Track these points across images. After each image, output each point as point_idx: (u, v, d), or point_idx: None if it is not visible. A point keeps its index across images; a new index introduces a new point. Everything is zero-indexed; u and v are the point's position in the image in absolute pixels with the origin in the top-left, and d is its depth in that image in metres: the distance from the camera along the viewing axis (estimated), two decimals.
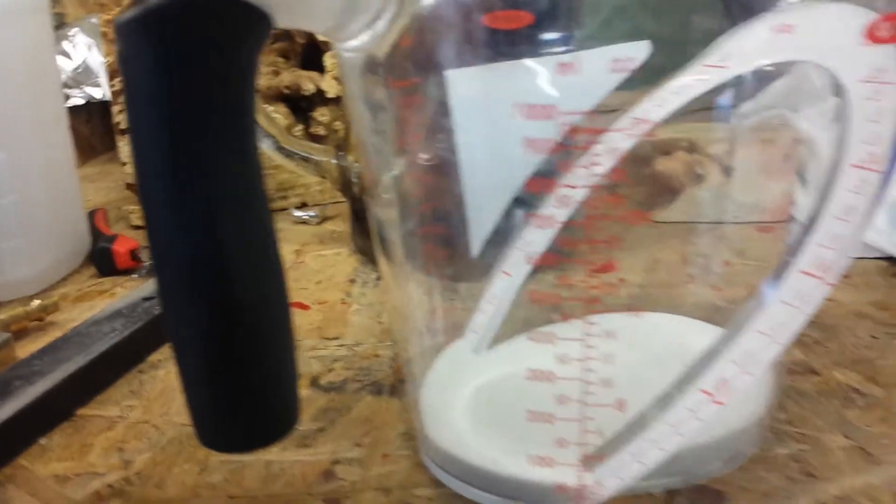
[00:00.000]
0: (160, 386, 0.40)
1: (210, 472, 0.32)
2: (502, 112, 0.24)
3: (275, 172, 0.71)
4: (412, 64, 0.28)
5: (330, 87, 0.72)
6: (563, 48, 0.24)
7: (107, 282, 0.56)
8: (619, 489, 0.26)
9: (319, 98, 0.73)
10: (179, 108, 0.21)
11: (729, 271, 0.34)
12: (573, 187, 0.26)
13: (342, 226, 0.67)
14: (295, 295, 0.51)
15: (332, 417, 0.36)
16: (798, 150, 0.32)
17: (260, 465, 0.32)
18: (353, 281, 0.54)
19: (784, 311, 0.25)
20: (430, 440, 0.31)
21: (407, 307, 0.33)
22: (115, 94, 0.72)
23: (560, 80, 0.23)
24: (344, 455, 0.33)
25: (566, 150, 0.25)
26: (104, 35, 0.72)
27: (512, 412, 0.29)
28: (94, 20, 1.03)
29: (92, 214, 0.65)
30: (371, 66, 0.28)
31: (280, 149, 0.56)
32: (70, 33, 1.05)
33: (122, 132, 0.70)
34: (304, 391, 0.38)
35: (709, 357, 0.26)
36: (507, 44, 0.25)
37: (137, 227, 0.67)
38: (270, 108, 0.71)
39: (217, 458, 0.33)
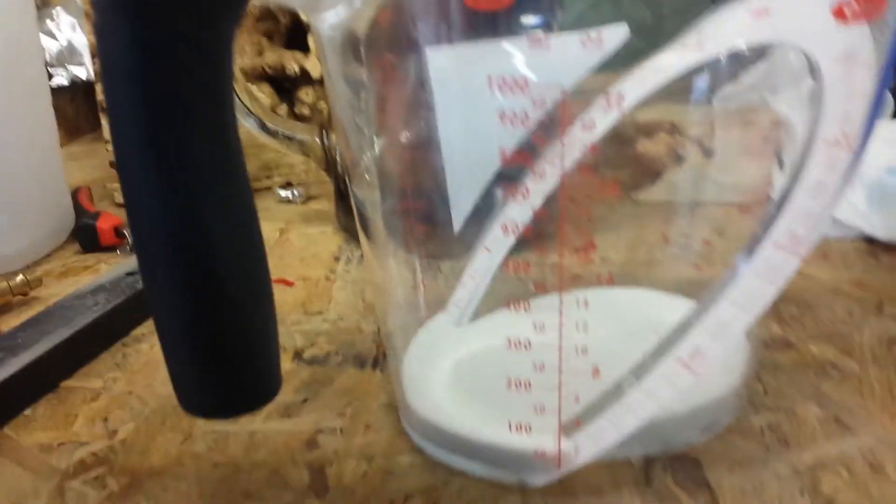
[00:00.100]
0: (144, 359, 0.40)
1: (194, 441, 0.32)
2: (482, 89, 0.25)
3: (259, 152, 0.71)
4: (391, 41, 0.28)
5: (314, 68, 0.72)
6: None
7: (91, 258, 0.56)
8: (597, 455, 0.27)
9: (303, 78, 0.73)
10: (156, 83, 0.21)
11: (708, 250, 0.34)
12: (553, 163, 0.26)
13: (327, 205, 0.67)
14: (279, 272, 0.51)
15: (316, 389, 0.36)
16: (776, 133, 0.32)
17: (244, 435, 0.32)
18: (337, 258, 0.54)
19: (756, 283, 0.25)
20: (411, 410, 0.31)
21: (388, 284, 0.33)
22: (98, 73, 0.72)
23: (536, 56, 0.24)
24: (327, 425, 0.33)
25: (545, 125, 0.25)
26: (88, 15, 0.72)
27: (491, 381, 0.29)
28: (77, 0, 1.03)
29: (76, 192, 0.65)
30: (350, 43, 0.28)
31: (264, 128, 0.56)
32: (54, 13, 1.04)
33: (106, 112, 0.70)
34: (287, 364, 0.38)
35: (683, 327, 0.26)
36: (488, 26, 0.25)
37: (121, 205, 0.67)
38: (254, 88, 0.71)
39: (201, 427, 0.33)
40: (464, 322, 0.34)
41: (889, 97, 0.63)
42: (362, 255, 0.53)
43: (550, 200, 0.27)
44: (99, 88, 0.70)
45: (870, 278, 0.46)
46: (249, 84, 0.71)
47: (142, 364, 0.39)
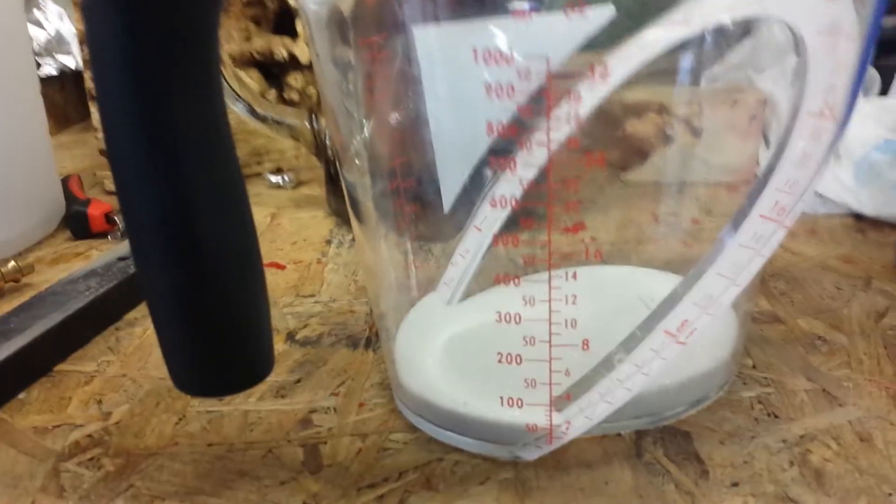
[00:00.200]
0: (137, 342, 0.40)
1: (188, 422, 0.32)
2: (469, 67, 0.25)
3: (249, 138, 0.71)
4: (377, 21, 0.28)
5: (302, 53, 0.72)
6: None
7: (82, 244, 0.56)
8: (588, 428, 0.27)
9: (292, 63, 0.73)
10: (144, 69, 0.21)
11: (697, 228, 0.34)
12: (541, 135, 0.26)
13: (317, 190, 0.67)
14: (271, 256, 0.51)
15: (309, 370, 0.36)
16: (762, 111, 0.32)
17: (238, 415, 0.33)
18: (328, 242, 0.54)
19: (743, 253, 0.25)
20: (403, 388, 0.32)
21: (380, 266, 0.34)
22: (86, 62, 0.71)
23: (521, 32, 0.24)
24: (320, 404, 0.33)
25: (532, 98, 0.25)
26: (75, 3, 0.71)
27: (483, 357, 0.30)
28: None
29: (66, 180, 0.65)
30: (337, 24, 0.28)
31: (253, 113, 0.56)
32: (41, 2, 1.04)
33: (95, 99, 0.69)
34: (280, 346, 0.39)
35: (672, 299, 0.26)
36: (475, 4, 0.25)
37: (111, 192, 0.67)
38: (243, 74, 0.71)
39: (195, 408, 0.33)
40: (455, 301, 0.34)
41: (875, 74, 0.63)
42: (353, 239, 0.53)
43: (540, 177, 0.27)
44: (88, 77, 0.70)
45: (857, 254, 0.46)
46: (238, 70, 0.71)
47: (135, 347, 0.40)
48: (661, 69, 0.29)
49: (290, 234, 0.56)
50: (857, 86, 0.25)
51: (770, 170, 0.25)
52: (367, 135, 0.31)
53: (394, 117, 0.31)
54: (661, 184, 0.35)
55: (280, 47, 0.72)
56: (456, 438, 0.30)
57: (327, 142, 0.58)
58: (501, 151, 0.27)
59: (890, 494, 0.26)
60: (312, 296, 0.45)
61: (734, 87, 0.32)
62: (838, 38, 0.23)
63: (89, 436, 0.32)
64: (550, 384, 0.27)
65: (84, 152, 0.85)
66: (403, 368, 0.32)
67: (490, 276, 0.32)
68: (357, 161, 0.31)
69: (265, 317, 0.27)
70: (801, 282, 0.43)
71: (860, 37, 0.23)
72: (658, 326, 0.26)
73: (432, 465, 0.29)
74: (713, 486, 0.27)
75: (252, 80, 0.72)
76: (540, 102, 0.25)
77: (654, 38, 0.25)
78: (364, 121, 0.31)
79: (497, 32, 0.24)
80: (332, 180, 0.59)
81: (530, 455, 0.28)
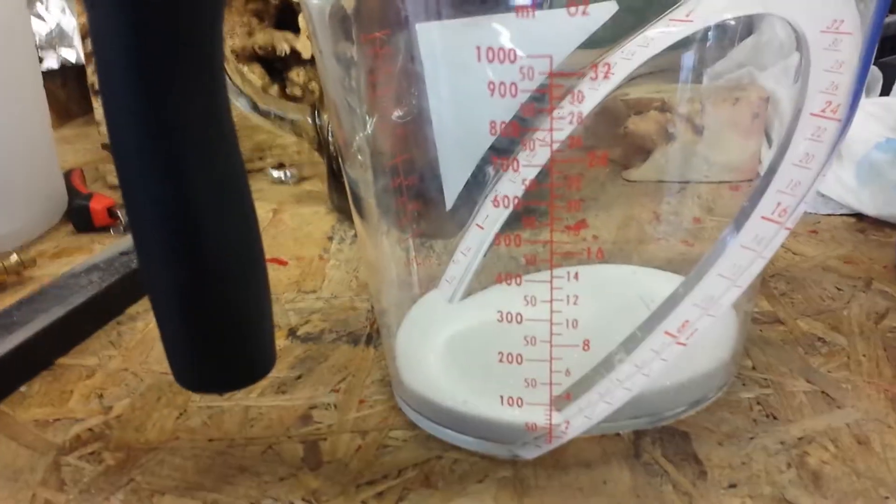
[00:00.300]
0: (138, 336, 0.40)
1: (189, 417, 0.33)
2: (472, 64, 0.25)
3: (251, 133, 0.71)
4: (380, 17, 0.28)
5: (305, 48, 0.72)
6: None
7: (84, 238, 0.57)
8: (587, 428, 0.27)
9: (294, 58, 0.73)
10: (147, 63, 0.21)
11: (698, 227, 0.34)
12: (543, 135, 0.26)
13: (319, 185, 0.67)
14: (273, 252, 0.52)
15: (310, 366, 0.36)
16: (765, 109, 0.33)
17: (238, 410, 0.33)
18: (330, 238, 0.54)
19: (744, 254, 0.25)
20: (404, 385, 0.32)
21: (381, 262, 0.34)
22: (88, 55, 0.71)
23: (524, 29, 0.24)
24: (321, 400, 0.33)
25: (534, 97, 0.25)
26: None
27: (483, 356, 0.30)
28: None
29: (69, 174, 0.65)
30: (339, 20, 0.28)
31: (256, 108, 0.56)
32: None
33: (97, 93, 0.69)
34: (281, 341, 0.39)
35: (673, 300, 0.26)
36: (477, 1, 0.25)
37: (114, 187, 0.67)
38: (245, 69, 0.71)
39: (196, 403, 0.33)
40: (456, 298, 0.34)
41: (878, 73, 0.63)
42: (355, 235, 0.53)
43: (542, 176, 0.27)
44: (90, 71, 0.70)
45: (858, 254, 0.46)
46: (240, 65, 0.71)
47: (136, 342, 0.40)
48: (664, 67, 0.29)
49: (292, 230, 0.56)
50: (860, 85, 0.25)
51: (772, 170, 0.25)
52: (369, 131, 0.31)
53: (396, 114, 0.31)
54: (662, 182, 0.35)
55: (282, 42, 0.72)
56: (455, 436, 0.30)
57: (329, 137, 0.58)
58: (504, 150, 0.27)
59: (886, 498, 0.26)
60: (314, 292, 0.45)
61: (736, 84, 0.32)
62: (841, 36, 0.23)
63: (90, 429, 0.32)
64: (550, 384, 0.27)
65: (86, 146, 0.85)
66: (404, 366, 0.32)
67: (492, 274, 0.32)
68: (359, 157, 0.31)
69: (267, 313, 0.27)
70: (801, 282, 0.43)
71: (862, 35, 0.23)
72: (659, 327, 0.26)
73: (431, 463, 0.29)
74: (711, 486, 0.27)
75: (254, 75, 0.72)
76: (542, 101, 0.25)
77: (657, 36, 0.25)
78: (367, 117, 0.31)
79: (500, 29, 0.24)
80: (335, 176, 0.59)
81: (529, 454, 0.28)
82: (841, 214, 0.52)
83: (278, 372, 0.36)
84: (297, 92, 0.74)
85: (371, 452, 0.30)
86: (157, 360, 0.38)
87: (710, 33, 0.28)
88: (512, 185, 0.29)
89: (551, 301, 0.26)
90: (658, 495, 0.27)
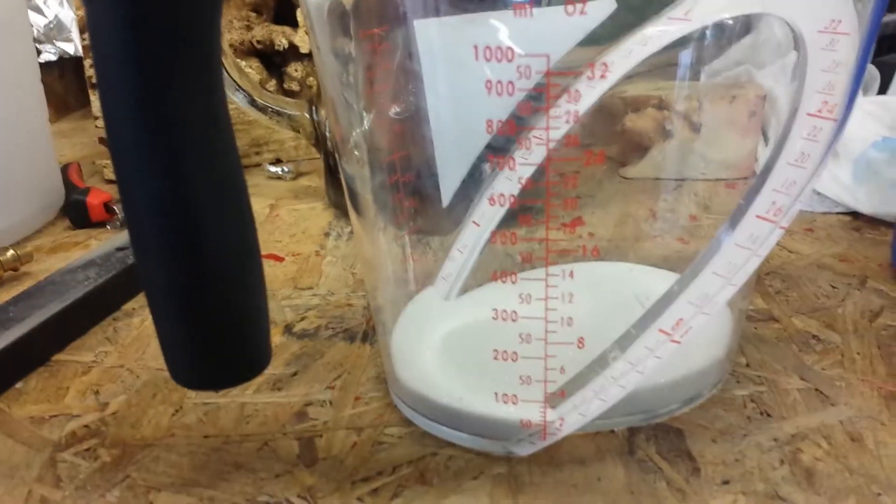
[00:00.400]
0: (135, 333, 0.40)
1: (185, 414, 0.33)
2: (469, 61, 0.25)
3: (249, 128, 0.71)
4: (378, 13, 0.28)
5: (303, 43, 0.72)
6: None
7: (81, 234, 0.57)
8: (581, 425, 0.27)
9: (293, 53, 0.73)
10: (145, 57, 0.21)
11: (694, 225, 0.34)
12: (539, 134, 0.27)
13: (317, 181, 0.67)
14: (269, 247, 0.52)
15: (306, 362, 0.36)
16: (762, 107, 0.33)
17: (234, 407, 0.33)
18: (327, 234, 0.54)
19: (739, 253, 0.25)
20: (400, 382, 0.32)
21: (377, 259, 0.34)
22: (86, 48, 0.71)
23: (522, 27, 0.24)
24: (316, 397, 0.33)
25: (531, 96, 0.25)
26: None
27: (479, 353, 0.30)
28: None
29: (65, 168, 0.65)
30: (338, 15, 0.28)
31: (253, 103, 0.56)
32: None
33: (95, 87, 0.69)
34: (277, 338, 0.39)
35: (667, 298, 0.26)
36: None
37: (111, 181, 0.67)
38: (243, 64, 0.71)
39: (192, 400, 0.34)
40: (452, 296, 0.34)
41: (875, 72, 0.63)
42: (352, 231, 0.53)
43: (538, 174, 0.27)
44: (88, 64, 0.70)
45: (853, 252, 0.46)
46: (238, 59, 0.71)
47: (133, 338, 0.40)
48: (662, 64, 0.29)
49: (289, 226, 0.56)
50: (857, 84, 0.25)
51: (768, 169, 0.25)
52: (366, 127, 0.31)
53: (394, 110, 0.31)
54: (659, 179, 0.35)
55: (281, 37, 0.72)
56: (450, 433, 0.30)
57: (327, 133, 0.58)
58: (500, 149, 0.27)
59: (879, 494, 0.26)
60: (310, 288, 0.45)
61: (734, 82, 0.32)
62: (838, 36, 0.23)
63: (86, 426, 0.32)
64: (545, 381, 0.27)
65: (84, 140, 0.85)
66: (399, 363, 0.32)
67: (488, 271, 0.32)
68: (356, 153, 0.31)
69: (263, 310, 0.27)
70: (796, 280, 0.43)
71: (860, 35, 0.23)
72: (653, 325, 0.26)
73: (426, 460, 0.29)
74: (704, 483, 0.27)
75: (252, 69, 0.72)
76: (539, 100, 0.25)
77: (655, 34, 0.25)
78: (364, 113, 0.31)
79: (497, 27, 0.24)
80: (332, 172, 0.59)
81: (524, 451, 0.29)
82: (837, 213, 0.53)
83: (274, 369, 0.36)
84: (295, 87, 0.74)
85: (366, 449, 0.30)
86: (153, 356, 0.38)
87: (707, 32, 0.28)
88: (508, 183, 0.29)
89: (546, 299, 0.27)
90: (652, 492, 0.27)
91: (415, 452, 0.30)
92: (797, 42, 0.24)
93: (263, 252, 0.45)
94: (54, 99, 0.95)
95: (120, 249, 0.46)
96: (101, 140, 0.71)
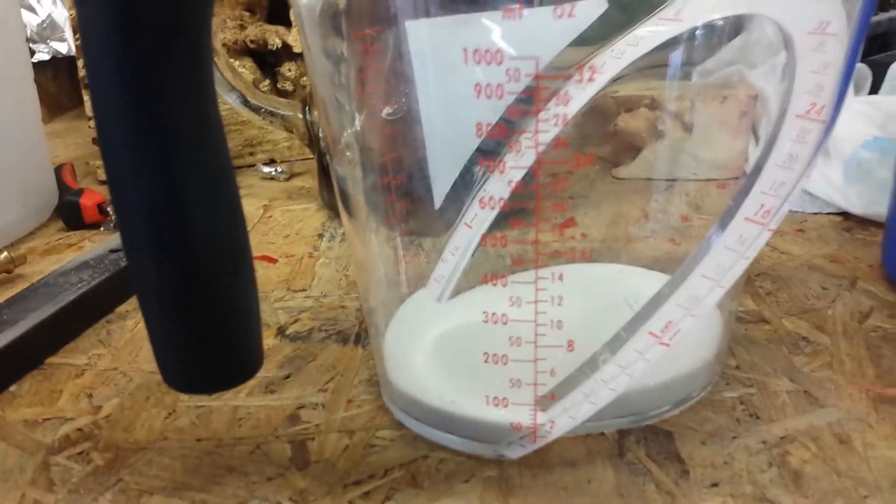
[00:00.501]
0: (128, 335, 0.40)
1: (178, 417, 0.33)
2: (460, 63, 0.25)
3: (242, 128, 0.71)
4: (370, 14, 0.28)
5: (296, 42, 0.72)
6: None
7: (74, 235, 0.57)
8: (571, 427, 0.28)
9: (286, 53, 0.73)
10: (135, 58, 0.22)
11: (685, 226, 0.34)
12: (529, 137, 0.27)
13: (310, 182, 0.67)
14: (263, 249, 0.52)
15: (298, 365, 0.37)
16: (753, 107, 0.33)
17: (227, 410, 0.33)
18: (320, 235, 0.54)
19: (727, 255, 0.26)
20: (392, 385, 0.32)
21: (370, 261, 0.34)
22: (80, 48, 0.71)
23: (512, 29, 0.24)
24: (309, 400, 0.34)
25: (521, 99, 0.25)
26: None
27: (470, 356, 0.30)
28: None
29: (59, 169, 0.65)
30: (330, 16, 0.28)
31: (246, 103, 0.56)
32: None
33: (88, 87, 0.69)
34: (270, 340, 0.39)
35: (656, 301, 0.27)
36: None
37: (104, 182, 0.67)
38: (236, 63, 0.71)
39: (184, 403, 0.34)
40: (445, 298, 0.34)
41: (867, 71, 0.63)
42: (345, 232, 0.53)
43: (528, 177, 0.27)
44: (81, 64, 0.70)
45: (844, 253, 0.46)
46: (232, 59, 0.71)
47: (126, 341, 0.40)
48: (654, 64, 0.29)
49: (283, 227, 0.56)
50: (845, 86, 0.25)
51: (757, 171, 0.25)
52: (358, 128, 0.31)
53: (386, 111, 0.31)
54: (651, 180, 0.35)
55: (274, 36, 0.72)
56: (442, 436, 0.30)
57: (320, 133, 0.58)
58: (490, 152, 0.27)
59: (866, 497, 0.26)
60: (303, 290, 0.45)
61: (726, 82, 0.32)
62: (827, 38, 0.23)
63: (79, 429, 0.32)
64: (535, 384, 0.27)
65: (77, 140, 0.85)
66: (392, 365, 0.32)
67: (480, 273, 0.32)
68: (348, 154, 0.31)
69: (255, 312, 0.27)
70: (787, 281, 0.43)
71: (848, 37, 0.24)
72: (642, 328, 0.26)
73: (418, 463, 0.29)
74: (693, 485, 0.27)
75: (246, 69, 0.72)
76: (529, 103, 0.25)
77: (646, 35, 0.25)
78: (356, 114, 0.31)
79: (486, 29, 0.24)
80: (325, 172, 0.59)
81: (514, 453, 0.29)
82: (828, 213, 0.53)
83: (267, 371, 0.36)
84: (289, 87, 0.74)
85: (358, 452, 0.30)
86: (146, 359, 0.38)
87: (699, 32, 0.28)
88: (499, 185, 0.29)
89: (536, 302, 0.27)
90: (641, 494, 0.27)
91: (406, 455, 0.30)
92: (787, 43, 0.24)
93: (257, 254, 0.46)
94: (47, 99, 0.95)
95: (113, 251, 0.46)
96: (94, 140, 0.71)
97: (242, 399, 0.34)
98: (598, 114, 0.31)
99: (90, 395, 0.35)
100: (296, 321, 0.41)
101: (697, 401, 0.32)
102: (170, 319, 0.25)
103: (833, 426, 0.30)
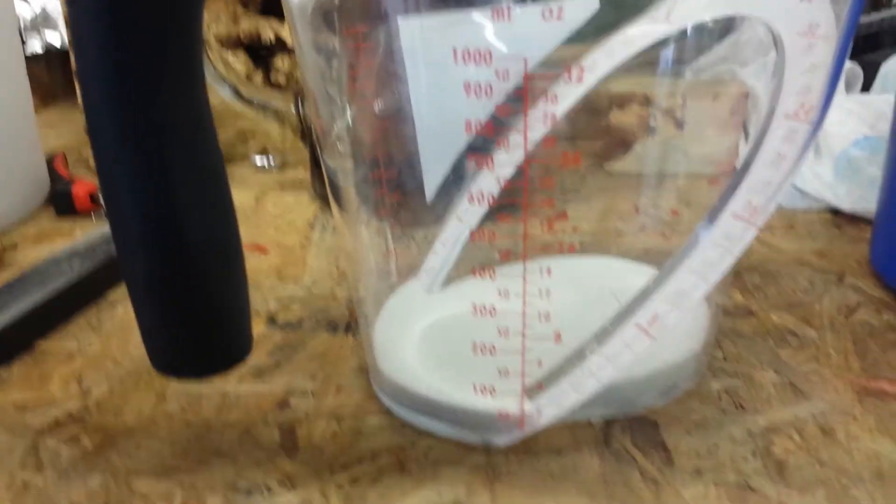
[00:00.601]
0: (118, 321, 0.41)
1: (167, 402, 0.33)
2: (451, 60, 0.25)
3: (235, 120, 0.71)
4: (362, 9, 0.28)
5: (290, 35, 0.72)
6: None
7: (66, 224, 0.57)
8: (558, 417, 0.28)
9: (279, 46, 0.73)
10: (124, 48, 0.22)
11: (675, 220, 0.35)
12: (518, 134, 0.27)
13: (302, 172, 0.67)
14: (254, 238, 0.52)
15: (288, 353, 0.37)
16: (744, 105, 0.33)
17: (216, 396, 0.33)
18: (312, 226, 0.54)
19: (714, 251, 0.26)
20: (381, 373, 0.32)
21: (360, 252, 0.34)
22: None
23: (503, 27, 0.24)
24: (298, 387, 0.34)
25: (511, 98, 0.26)
26: None
27: (458, 346, 0.30)
28: None
29: (51, 158, 0.65)
30: (321, 10, 0.29)
31: (239, 95, 0.56)
32: None
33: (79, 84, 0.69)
34: (260, 329, 0.39)
35: (643, 294, 0.27)
36: None
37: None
38: (230, 56, 0.71)
39: (174, 388, 0.34)
40: (435, 289, 0.34)
41: (858, 70, 0.64)
42: None
43: (518, 175, 0.28)
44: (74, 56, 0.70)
45: (832, 249, 0.47)
46: (225, 52, 0.71)
47: (116, 326, 0.40)
48: (645, 61, 0.29)
49: (274, 218, 0.56)
50: (833, 87, 0.25)
51: (745, 169, 0.26)
52: (349, 121, 0.31)
53: (377, 105, 0.31)
54: (642, 174, 0.35)
55: (267, 29, 0.72)
56: (430, 424, 0.30)
57: (312, 126, 0.58)
58: (480, 149, 0.27)
59: (848, 488, 0.27)
60: (295, 279, 0.45)
61: (717, 80, 0.32)
62: (816, 39, 0.23)
63: (69, 413, 0.32)
64: (523, 374, 0.28)
65: (69, 130, 0.85)
66: (381, 355, 0.32)
67: (470, 264, 0.32)
68: (339, 146, 0.31)
69: (244, 300, 0.27)
70: (775, 276, 0.43)
71: (837, 38, 0.24)
72: (629, 320, 0.27)
73: (405, 449, 0.29)
74: (677, 474, 0.28)
75: (239, 62, 0.72)
76: (519, 102, 0.25)
77: (636, 36, 0.26)
78: (347, 107, 0.31)
79: (475, 28, 0.24)
80: (318, 164, 0.60)
81: (501, 441, 0.29)
82: (817, 209, 0.53)
83: (257, 358, 0.36)
84: (282, 80, 0.74)
85: (347, 438, 0.30)
86: (135, 345, 0.38)
87: (690, 31, 0.29)
88: (488, 182, 0.30)
89: (524, 294, 0.27)
90: (626, 482, 0.27)
91: (394, 442, 0.30)
92: (776, 44, 0.24)
93: (248, 243, 0.46)
94: (40, 89, 0.95)
95: (105, 240, 0.46)
96: (87, 130, 0.71)
97: (232, 385, 0.34)
98: (591, 110, 0.31)
99: (80, 380, 0.35)
100: (286, 310, 0.41)
101: (684, 391, 0.32)
102: (158, 306, 0.26)
103: (817, 418, 0.31)
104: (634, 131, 0.38)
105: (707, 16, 0.26)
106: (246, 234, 0.26)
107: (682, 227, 0.34)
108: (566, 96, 0.26)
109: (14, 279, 0.41)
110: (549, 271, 0.27)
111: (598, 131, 0.38)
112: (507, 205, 0.28)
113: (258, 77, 0.74)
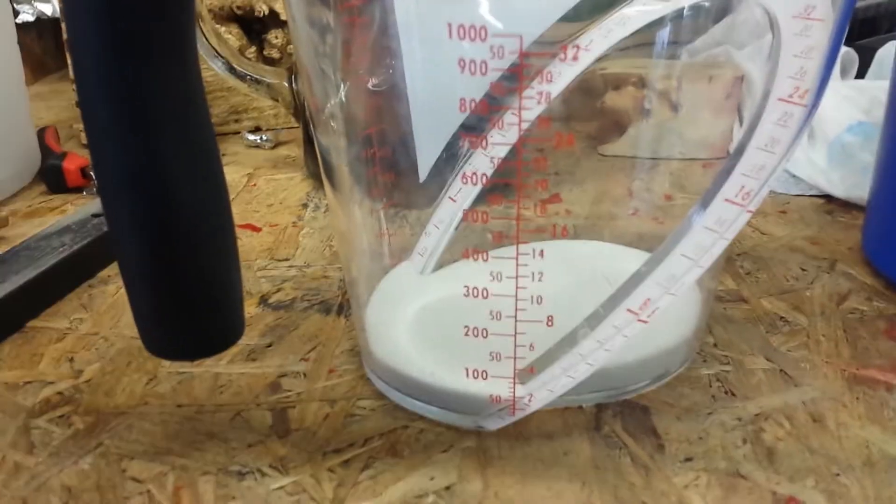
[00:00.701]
0: (110, 300, 0.40)
1: (159, 383, 0.33)
2: (445, 39, 0.25)
3: (228, 95, 0.71)
4: None
5: (283, 9, 0.71)
6: None
7: (57, 199, 0.56)
8: (550, 401, 0.28)
9: (273, 20, 0.72)
10: (117, 20, 0.21)
11: (668, 204, 0.35)
12: (512, 114, 0.27)
13: (296, 151, 0.67)
14: (247, 217, 0.52)
15: (280, 334, 0.37)
16: (739, 88, 0.33)
17: (208, 377, 0.33)
18: (305, 205, 0.54)
19: (707, 236, 0.26)
20: (373, 355, 0.32)
21: (353, 232, 0.34)
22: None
23: (498, 4, 0.24)
24: (290, 369, 0.34)
25: (505, 76, 0.25)
26: None
27: (451, 329, 0.30)
28: None
29: (42, 132, 0.65)
30: None
31: (232, 70, 0.56)
32: None
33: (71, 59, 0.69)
34: (252, 309, 0.39)
35: (635, 279, 0.27)
36: None
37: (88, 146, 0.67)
38: (223, 29, 0.71)
39: (166, 369, 0.34)
40: (428, 271, 0.34)
41: (854, 55, 0.64)
42: None
43: (512, 154, 0.28)
44: (65, 26, 0.69)
45: (825, 235, 0.47)
46: (218, 25, 0.70)
47: (108, 305, 0.40)
48: (641, 43, 0.29)
49: (267, 196, 0.56)
50: (828, 71, 0.25)
51: (738, 153, 0.26)
52: (343, 98, 0.31)
53: (371, 82, 0.31)
54: (637, 158, 0.35)
55: (261, 3, 0.71)
56: (422, 407, 0.30)
57: (305, 103, 0.58)
58: (474, 128, 0.27)
59: (837, 474, 0.27)
60: (287, 259, 0.45)
61: (713, 62, 0.32)
62: (812, 22, 0.23)
63: (60, 393, 0.32)
64: (515, 358, 0.28)
65: (61, 103, 0.84)
66: (373, 336, 0.32)
67: (463, 247, 0.32)
68: (332, 124, 0.31)
69: (236, 280, 0.27)
70: (767, 262, 0.43)
71: (833, 20, 0.24)
72: (621, 305, 0.27)
73: (397, 432, 0.30)
74: (667, 460, 0.28)
75: (232, 35, 0.72)
76: (513, 80, 0.25)
77: (632, 15, 0.25)
78: (340, 84, 0.31)
79: (471, 4, 0.24)
80: (311, 142, 0.59)
81: (493, 425, 0.29)
82: (810, 195, 0.53)
83: (249, 340, 0.36)
84: (275, 54, 0.74)
85: (339, 421, 0.30)
86: (127, 324, 0.38)
87: (686, 12, 0.28)
88: (482, 162, 0.29)
89: (517, 277, 0.27)
90: (616, 467, 0.27)
91: (386, 425, 0.30)
92: (772, 26, 0.24)
93: (240, 222, 0.46)
94: (31, 60, 0.94)
95: (96, 216, 0.46)
96: (78, 104, 0.70)
97: (224, 366, 0.34)
98: (585, 91, 0.31)
99: (71, 360, 0.35)
100: (278, 290, 0.41)
101: (675, 377, 0.32)
102: (150, 288, 0.25)
103: (807, 405, 0.31)
104: (629, 113, 0.38)
105: None
106: (238, 212, 0.26)
107: (675, 211, 0.34)
108: (561, 75, 0.26)
109: (4, 255, 0.41)
110: (541, 254, 0.27)
111: (593, 113, 0.38)
112: (500, 185, 0.28)
113: (252, 51, 0.73)
